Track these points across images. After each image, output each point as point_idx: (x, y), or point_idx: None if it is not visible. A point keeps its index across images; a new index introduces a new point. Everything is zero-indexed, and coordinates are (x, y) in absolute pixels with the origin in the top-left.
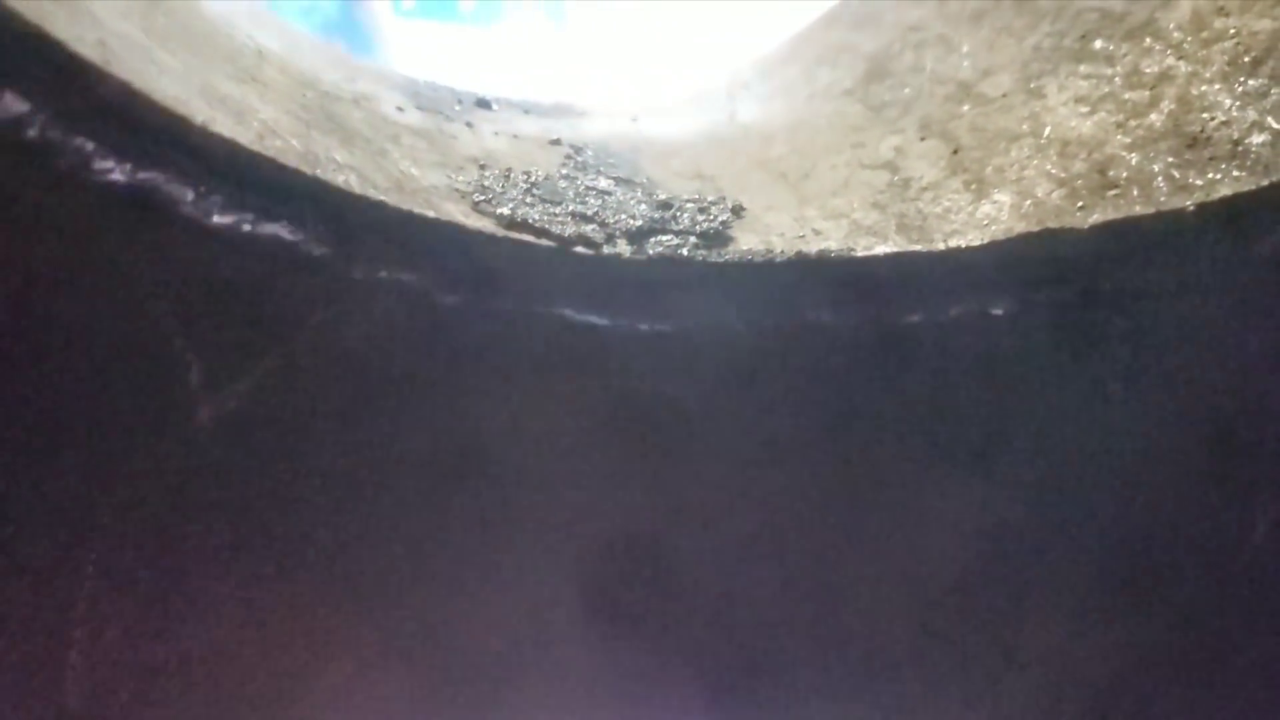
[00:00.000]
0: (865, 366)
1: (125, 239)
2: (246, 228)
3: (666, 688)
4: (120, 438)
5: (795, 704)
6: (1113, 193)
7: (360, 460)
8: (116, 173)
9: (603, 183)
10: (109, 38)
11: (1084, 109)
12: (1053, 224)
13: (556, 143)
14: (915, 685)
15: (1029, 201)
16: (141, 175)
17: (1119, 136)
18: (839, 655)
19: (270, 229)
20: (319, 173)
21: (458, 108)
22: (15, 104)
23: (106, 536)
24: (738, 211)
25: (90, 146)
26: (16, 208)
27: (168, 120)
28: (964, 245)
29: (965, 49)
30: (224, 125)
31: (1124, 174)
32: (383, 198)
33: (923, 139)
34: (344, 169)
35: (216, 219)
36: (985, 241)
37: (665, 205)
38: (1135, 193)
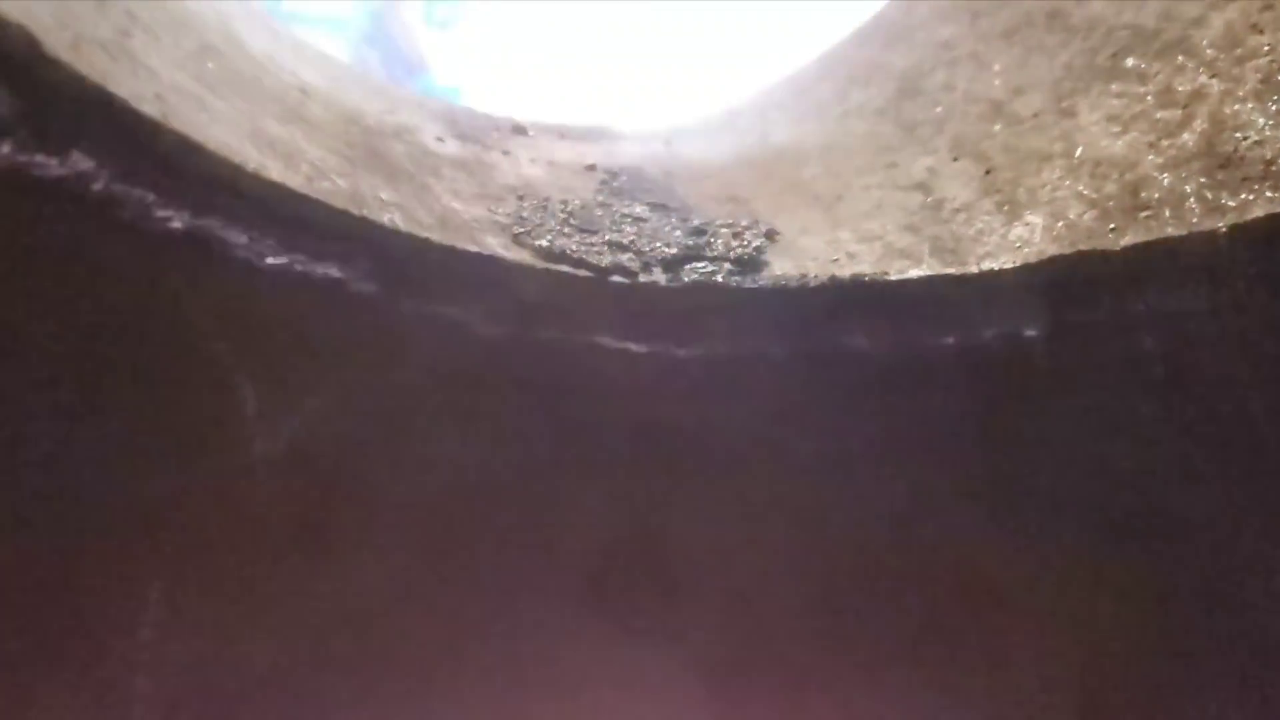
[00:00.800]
0: (899, 390)
1: (185, 282)
2: (299, 268)
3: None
4: (181, 469)
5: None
6: (1145, 214)
7: (409, 488)
8: (176, 220)
9: (638, 209)
10: (165, 91)
11: (1116, 128)
12: (1085, 246)
13: (591, 168)
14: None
15: (1061, 223)
16: (198, 222)
17: (1151, 156)
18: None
19: (321, 269)
20: (366, 213)
21: (495, 135)
22: (82, 161)
23: (169, 565)
24: (771, 236)
25: (151, 197)
26: (84, 257)
27: (222, 168)
28: (997, 268)
29: (997, 67)
30: (274, 170)
31: (1156, 195)
32: (427, 235)
33: (955, 159)
34: (389, 207)
35: (270, 260)
36: (1018, 264)
37: (699, 231)
38: (1168, 214)
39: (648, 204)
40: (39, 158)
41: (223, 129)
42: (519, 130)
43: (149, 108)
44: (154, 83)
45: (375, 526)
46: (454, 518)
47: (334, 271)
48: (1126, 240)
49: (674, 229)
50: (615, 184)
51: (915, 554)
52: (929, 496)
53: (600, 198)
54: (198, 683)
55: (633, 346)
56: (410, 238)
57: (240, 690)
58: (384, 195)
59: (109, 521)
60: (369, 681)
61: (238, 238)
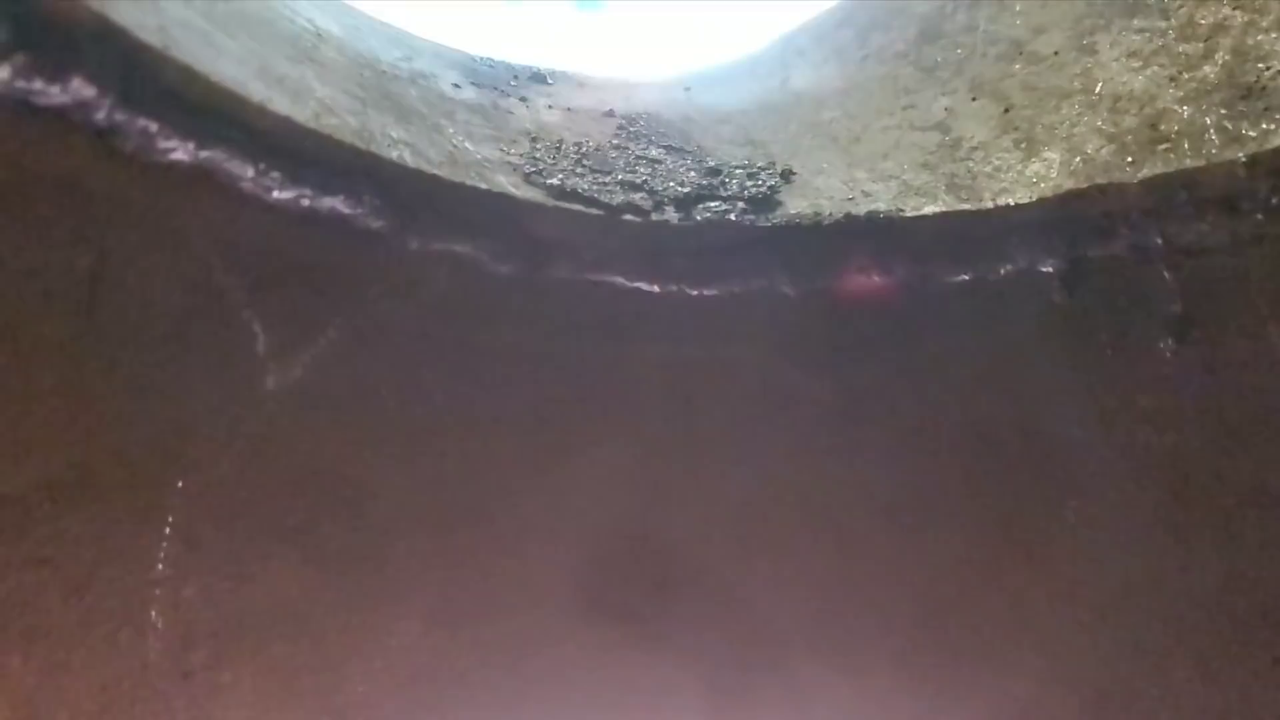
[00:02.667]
0: (913, 328)
1: (191, 215)
2: (306, 202)
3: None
4: (193, 405)
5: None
6: (1163, 146)
7: (420, 424)
8: (180, 152)
9: (653, 151)
10: (169, 24)
11: (1136, 63)
12: (1102, 180)
13: (610, 114)
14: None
15: (1078, 158)
16: (203, 154)
17: (1171, 90)
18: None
19: (328, 203)
20: (373, 148)
21: (514, 83)
22: (84, 89)
23: (183, 500)
24: (787, 176)
25: (155, 127)
26: (88, 188)
27: (226, 100)
28: (1013, 203)
29: (1018, 7)
30: (280, 104)
31: (1175, 127)
32: (436, 171)
33: (974, 99)
34: (398, 145)
35: (276, 194)
36: (1034, 199)
37: (714, 172)
38: (1186, 146)
39: (664, 147)
40: (38, 84)
41: (229, 64)
42: (538, 78)
43: (151, 37)
44: (158, 15)
45: (386, 464)
46: (466, 455)
47: (341, 206)
48: (1144, 173)
49: (689, 170)
50: (632, 128)
51: (934, 489)
52: (939, 436)
53: (616, 140)
54: (211, 617)
55: (645, 286)
56: (418, 173)
57: (254, 626)
58: (394, 133)
59: (120, 456)
60: (386, 619)
61: (243, 170)
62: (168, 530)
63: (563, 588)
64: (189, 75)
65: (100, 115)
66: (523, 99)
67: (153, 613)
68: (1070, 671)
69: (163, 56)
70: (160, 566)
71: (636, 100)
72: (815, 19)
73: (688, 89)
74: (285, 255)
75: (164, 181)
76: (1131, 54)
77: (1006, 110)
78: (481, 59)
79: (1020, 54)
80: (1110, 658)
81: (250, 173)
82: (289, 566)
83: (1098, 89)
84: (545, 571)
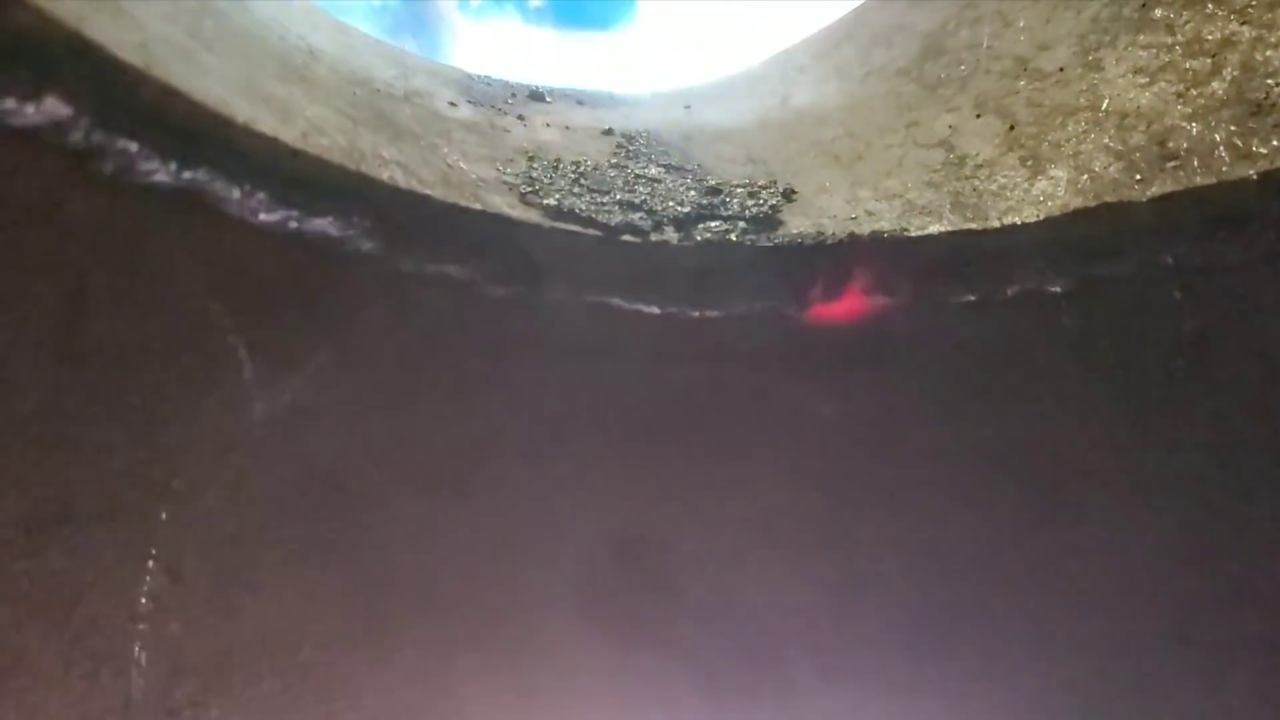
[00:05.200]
0: (918, 349)
1: (174, 239)
2: (293, 224)
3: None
4: (177, 434)
5: None
6: (1172, 164)
7: (413, 451)
8: (161, 174)
9: (652, 170)
10: (150, 40)
11: (1143, 80)
12: (1111, 199)
13: (609, 132)
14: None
15: (1086, 176)
16: (186, 175)
17: (1179, 107)
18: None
19: (317, 225)
20: (364, 168)
21: (511, 101)
22: (58, 108)
23: (167, 532)
24: (789, 195)
25: (134, 148)
26: (65, 211)
27: (209, 120)
28: (1019, 222)
29: (1022, 24)
30: (266, 124)
31: (1184, 144)
32: (429, 191)
33: (978, 116)
34: (390, 165)
35: (263, 216)
36: (1041, 218)
37: (714, 191)
38: (1196, 163)
39: (663, 165)
40: (10, 102)
41: (213, 82)
42: (536, 97)
43: (131, 55)
44: (139, 32)
45: (379, 494)
46: (461, 481)
47: (330, 228)
48: (1154, 191)
49: (688, 189)
50: (631, 147)
51: (939, 509)
52: (943, 459)
53: (614, 160)
54: (198, 653)
55: (644, 307)
56: (410, 194)
57: (243, 660)
58: (385, 153)
59: (101, 487)
60: (380, 651)
61: (228, 192)
62: (151, 563)
63: (561, 611)
64: (170, 94)
65: (77, 136)
66: (520, 117)
67: (136, 648)
68: (1070, 678)
69: (142, 75)
70: (144, 601)
71: (636, 118)
72: (815, 35)
73: (687, 106)
74: (272, 279)
75: (145, 204)
76: (1138, 70)
77: (1011, 127)
78: (479, 77)
79: (1025, 70)
80: (1111, 664)
81: (236, 194)
82: (279, 599)
83: (1104, 106)
84: (543, 595)
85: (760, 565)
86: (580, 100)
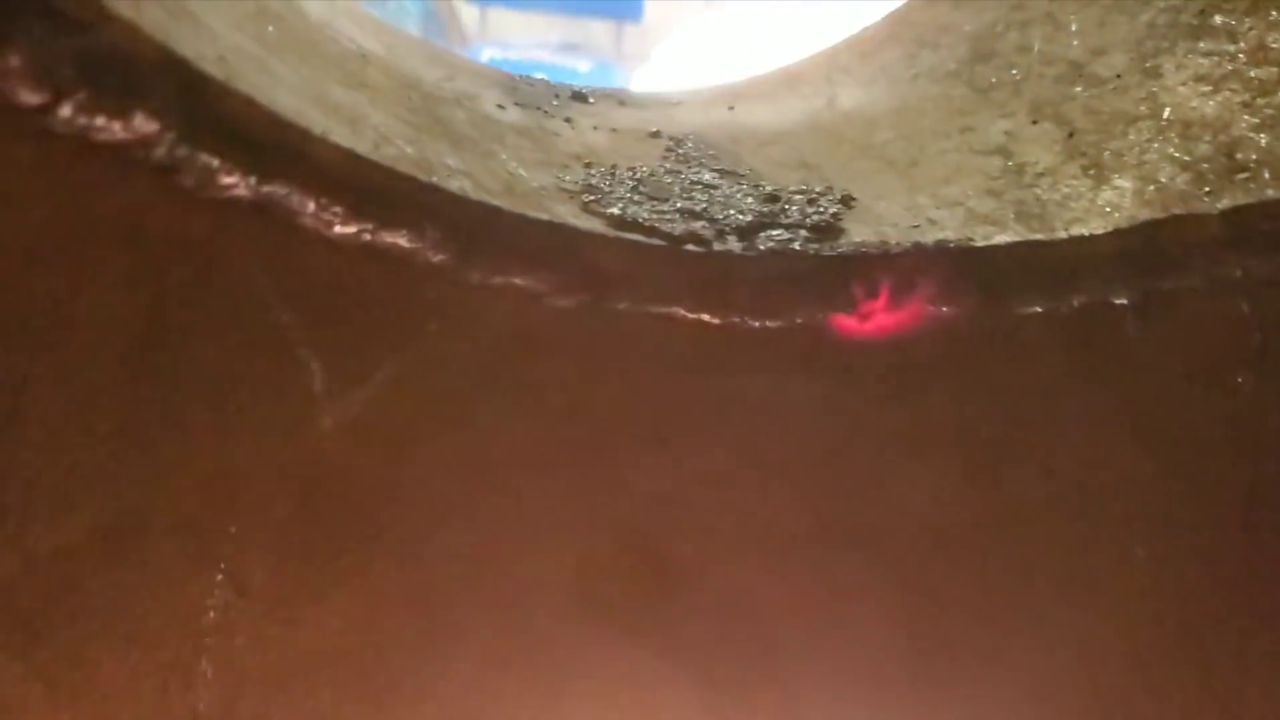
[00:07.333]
0: (983, 362)
1: (249, 252)
2: (367, 237)
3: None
4: (247, 445)
5: None
6: (1242, 176)
7: (475, 461)
8: (241, 187)
9: (706, 176)
10: (227, 52)
11: (1206, 88)
12: (1180, 210)
13: (656, 135)
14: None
15: (1152, 187)
16: (264, 189)
17: (1246, 117)
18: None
19: (389, 238)
20: (435, 179)
21: (555, 102)
22: (145, 124)
23: (235, 545)
24: (847, 202)
25: (216, 163)
26: (147, 228)
27: (288, 133)
28: (1087, 234)
29: (1074, 27)
30: (340, 135)
31: (1254, 156)
32: (497, 202)
33: (1034, 122)
34: (457, 174)
35: (338, 229)
36: (1110, 229)
37: (773, 198)
38: (1266, 175)
39: (716, 170)
40: (100, 120)
41: (286, 93)
42: (579, 97)
43: (213, 69)
44: (216, 44)
45: (440, 502)
46: (521, 491)
47: (403, 241)
48: (1224, 203)
49: (745, 196)
50: (681, 150)
51: (1007, 527)
52: (1002, 469)
53: (667, 164)
54: (261, 665)
55: (706, 317)
56: (481, 205)
57: (304, 672)
58: (450, 162)
59: (173, 500)
60: (436, 664)
61: (304, 206)
62: (219, 577)
63: (612, 620)
64: (251, 107)
65: (161, 151)
66: (567, 119)
67: (203, 662)
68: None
69: (225, 88)
70: (211, 614)
71: (680, 120)
72: (858, 35)
73: (731, 108)
74: (345, 291)
75: (223, 218)
76: (1200, 78)
77: (1070, 135)
78: (520, 77)
79: (1080, 76)
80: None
81: (311, 207)
82: (341, 610)
83: (1165, 114)
84: (599, 603)
85: (802, 580)
86: (622, 101)
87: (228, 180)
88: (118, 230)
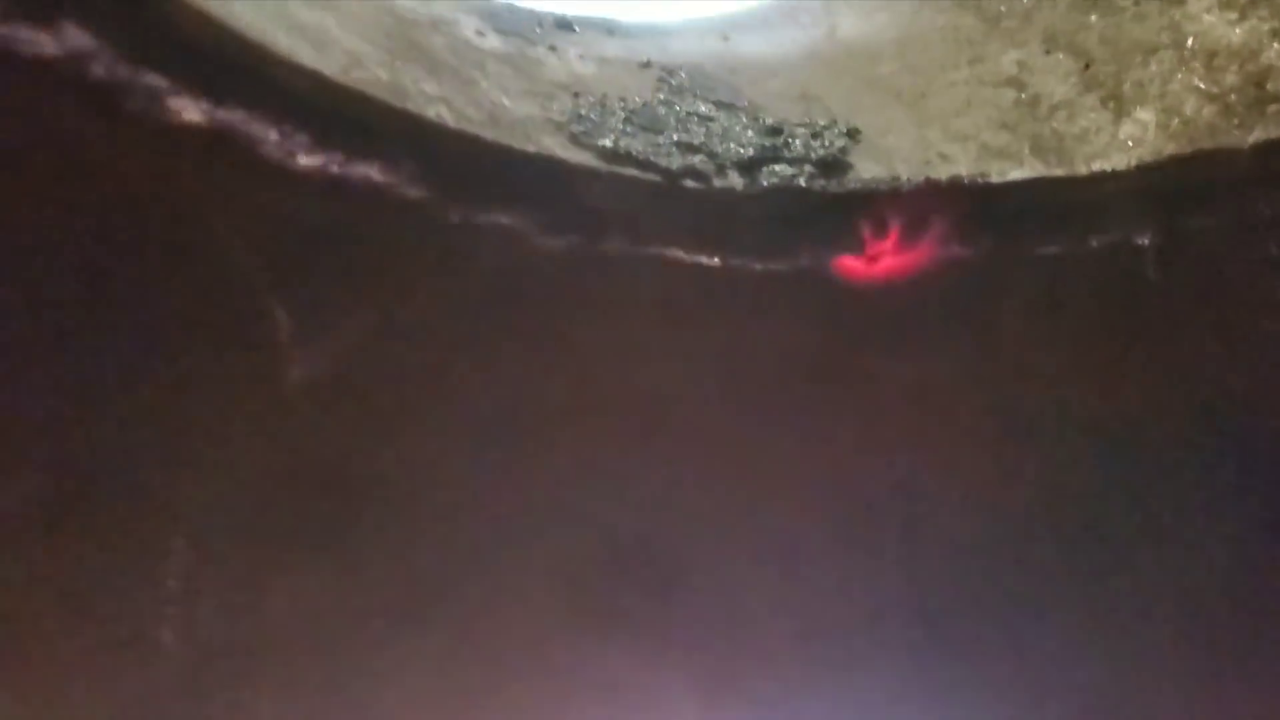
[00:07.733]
0: (997, 305)
1: (205, 185)
2: (335, 169)
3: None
4: (206, 401)
5: None
6: (1273, 108)
7: (458, 417)
8: (193, 112)
9: (703, 108)
10: None
11: (1231, 15)
12: (1208, 144)
13: (647, 65)
14: None
15: (1177, 120)
16: (220, 114)
17: (1276, 45)
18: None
19: (361, 170)
20: (409, 106)
21: (538, 30)
22: (78, 38)
23: (196, 510)
24: (854, 135)
25: (163, 84)
26: (85, 154)
27: (248, 52)
28: (1109, 169)
29: None
30: (307, 56)
31: None
32: (479, 132)
33: (1048, 52)
34: (435, 101)
35: (303, 160)
36: (1132, 165)
37: (775, 131)
38: None
39: (713, 102)
40: (24, 31)
41: (245, 8)
42: (564, 25)
43: None
44: None
45: (420, 462)
46: (508, 450)
47: (376, 174)
48: (1255, 137)
49: (745, 128)
50: (674, 81)
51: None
52: (1034, 412)
53: (661, 95)
54: (228, 634)
55: (705, 259)
56: (461, 135)
57: (275, 641)
58: (427, 88)
59: (125, 461)
60: (419, 629)
61: (265, 133)
62: (180, 543)
63: (598, 587)
64: (204, 22)
65: (99, 69)
66: (552, 48)
67: (164, 632)
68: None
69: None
70: (171, 581)
71: (672, 49)
72: None
73: (726, 37)
74: (311, 231)
75: (174, 148)
76: (1225, 4)
77: (1087, 66)
78: (500, 3)
79: (1095, 4)
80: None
81: (273, 136)
82: (313, 576)
83: (1189, 43)
84: (584, 571)
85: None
86: (610, 30)
87: (177, 104)
88: (54, 159)
